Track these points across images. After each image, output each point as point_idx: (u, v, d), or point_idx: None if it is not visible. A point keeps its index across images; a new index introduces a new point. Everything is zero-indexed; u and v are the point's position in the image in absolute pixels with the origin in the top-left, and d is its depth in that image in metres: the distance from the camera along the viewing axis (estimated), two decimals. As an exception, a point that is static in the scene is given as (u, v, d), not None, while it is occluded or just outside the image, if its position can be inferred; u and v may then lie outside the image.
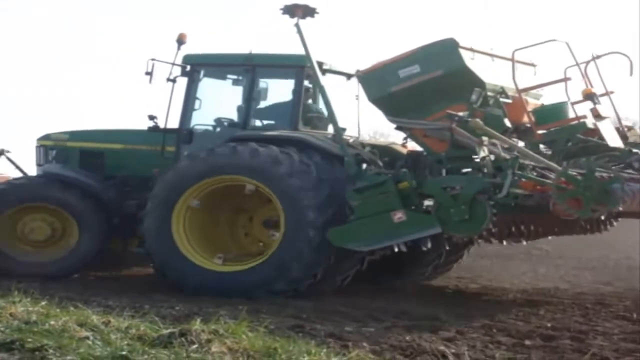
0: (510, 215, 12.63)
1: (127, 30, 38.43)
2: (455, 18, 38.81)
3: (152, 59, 14.11)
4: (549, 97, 13.49)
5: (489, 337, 9.76)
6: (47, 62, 38.12)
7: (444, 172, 12.57)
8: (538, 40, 12.78)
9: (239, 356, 7.79)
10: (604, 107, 12.99)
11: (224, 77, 14.95)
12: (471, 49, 12.78)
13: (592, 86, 12.87)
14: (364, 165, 12.89)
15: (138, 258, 14.71)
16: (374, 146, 13.80)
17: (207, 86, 14.60)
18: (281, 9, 12.98)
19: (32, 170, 16.11)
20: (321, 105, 14.08)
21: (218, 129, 14.52)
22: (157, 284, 13.49)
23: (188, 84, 14.40)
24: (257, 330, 8.67)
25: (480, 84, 12.56)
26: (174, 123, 14.43)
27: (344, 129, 13.78)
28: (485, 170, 12.09)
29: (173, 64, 14.32)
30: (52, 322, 8.69)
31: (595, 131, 12.69)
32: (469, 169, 12.46)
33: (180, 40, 14.38)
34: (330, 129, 13.88)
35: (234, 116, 14.49)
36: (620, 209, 11.66)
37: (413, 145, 13.89)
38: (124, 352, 7.71)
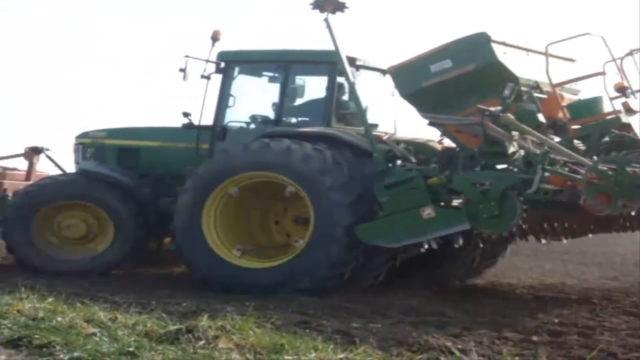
0: (542, 212, 12.41)
1: (127, 30, 38.76)
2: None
3: (186, 56, 14.05)
4: (588, 92, 13.25)
5: (496, 333, 9.62)
6: (47, 62, 38.61)
7: (478, 168, 12.41)
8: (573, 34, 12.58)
9: (245, 352, 7.78)
10: (635, 101, 12.69)
11: (258, 74, 14.91)
12: (504, 43, 12.58)
13: (628, 81, 12.56)
14: (398, 162, 12.74)
15: (174, 256, 14.71)
16: (409, 143, 13.61)
17: (241, 83, 14.54)
18: (311, 4, 12.86)
19: (71, 168, 16.28)
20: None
21: (252, 126, 14.45)
22: (164, 280, 13.45)
23: (222, 81, 14.36)
24: (263, 327, 8.68)
25: (514, 78, 12.36)
26: (208, 120, 14.43)
27: (376, 125, 13.63)
28: (517, 166, 11.90)
29: (207, 60, 14.30)
30: (59, 319, 8.77)
31: (630, 126, 12.42)
32: (504, 165, 12.28)
33: (215, 37, 14.37)
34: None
35: (268, 113, 14.41)
36: None
37: (449, 143, 13.71)
38: (131, 349, 7.75)
